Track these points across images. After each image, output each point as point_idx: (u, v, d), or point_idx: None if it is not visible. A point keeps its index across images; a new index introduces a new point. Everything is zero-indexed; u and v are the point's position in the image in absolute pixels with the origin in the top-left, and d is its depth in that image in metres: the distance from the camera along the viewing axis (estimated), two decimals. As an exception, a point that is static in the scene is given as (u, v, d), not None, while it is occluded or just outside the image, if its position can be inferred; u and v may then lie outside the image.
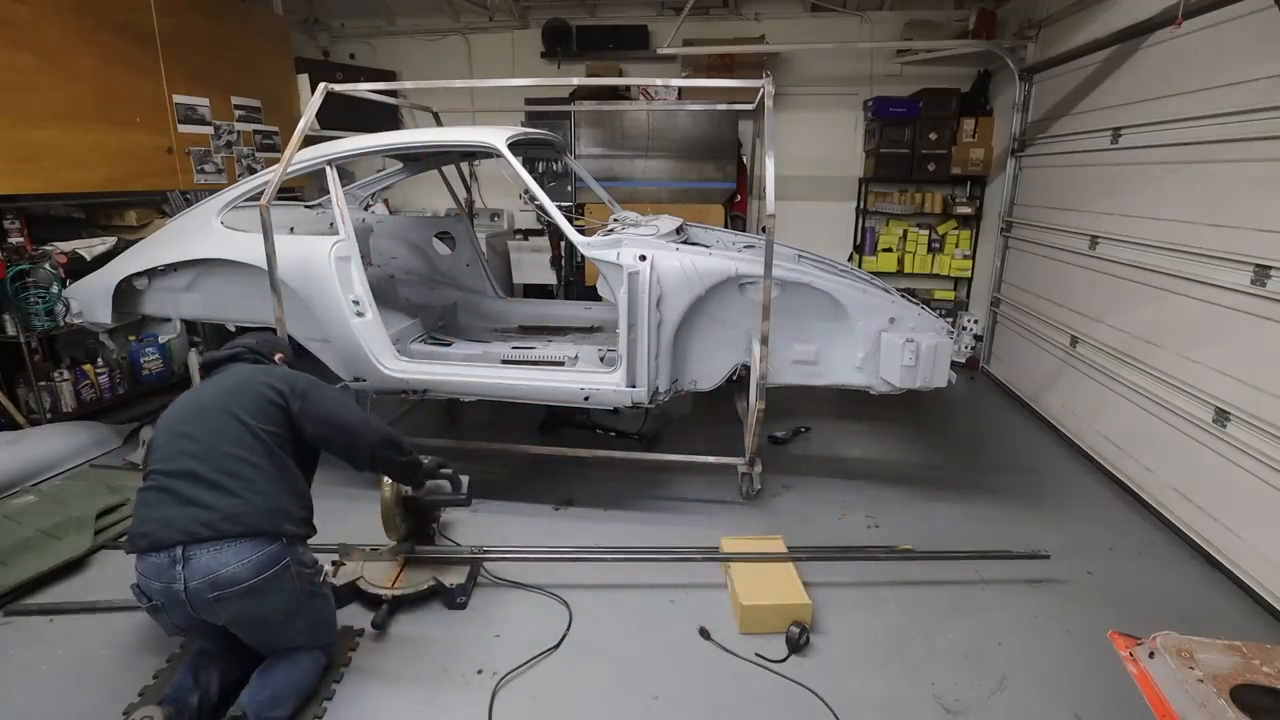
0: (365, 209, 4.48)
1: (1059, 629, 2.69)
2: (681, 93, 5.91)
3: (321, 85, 3.33)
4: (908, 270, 6.19)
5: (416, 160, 4.40)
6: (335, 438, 2.38)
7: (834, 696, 2.33)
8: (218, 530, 2.04)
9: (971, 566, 3.08)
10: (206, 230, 3.59)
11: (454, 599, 2.76)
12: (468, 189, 5.14)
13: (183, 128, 4.83)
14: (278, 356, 2.67)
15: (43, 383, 4.28)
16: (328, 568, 2.67)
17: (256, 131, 5.46)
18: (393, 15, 6.67)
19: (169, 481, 2.11)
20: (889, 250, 6.20)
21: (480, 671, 2.42)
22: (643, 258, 3.16)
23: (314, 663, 2.31)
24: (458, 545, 3.09)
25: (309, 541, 2.31)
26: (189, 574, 2.02)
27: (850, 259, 6.24)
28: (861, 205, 6.27)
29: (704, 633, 2.60)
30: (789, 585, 2.74)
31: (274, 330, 3.36)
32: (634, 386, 3.26)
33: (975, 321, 6.06)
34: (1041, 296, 4.98)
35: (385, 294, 4.07)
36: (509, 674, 2.41)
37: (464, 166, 5.16)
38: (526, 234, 6.34)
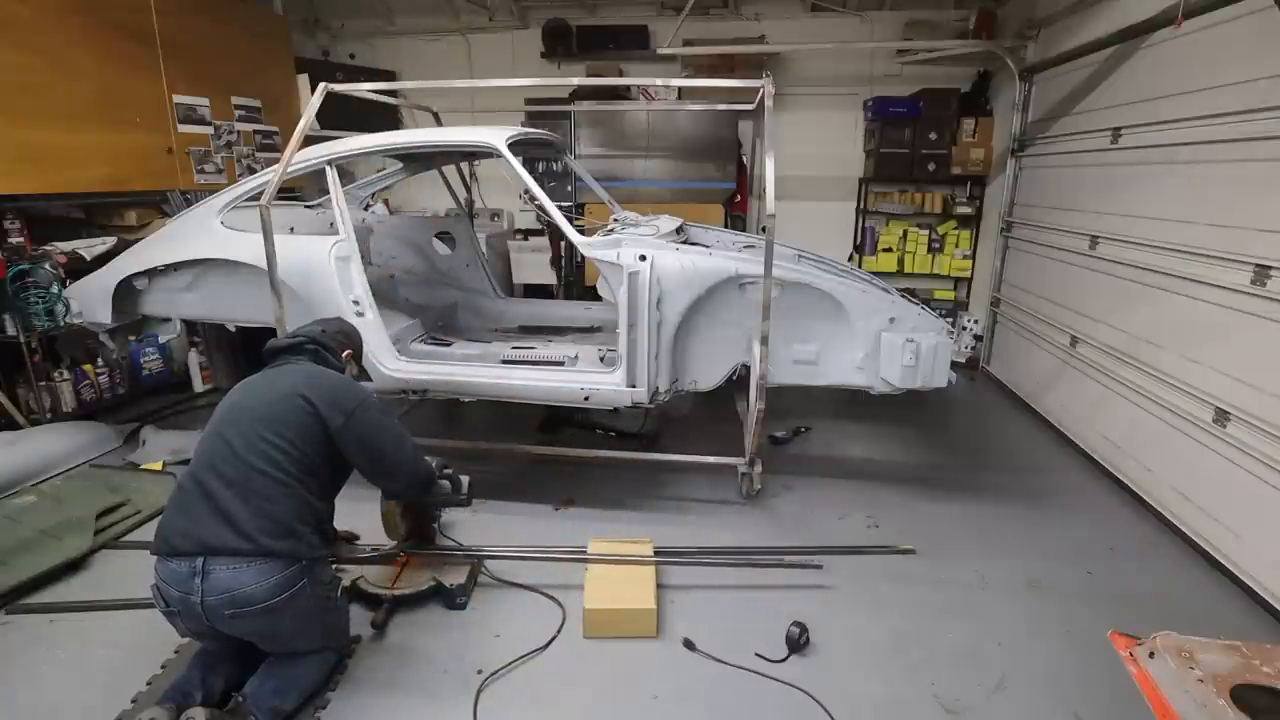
0: (365, 209, 4.48)
1: (1059, 629, 2.70)
2: (681, 93, 5.92)
3: (321, 85, 3.33)
4: (908, 270, 6.19)
5: (416, 160, 4.40)
6: (370, 467, 2.36)
7: (834, 696, 2.33)
8: (234, 549, 2.02)
9: (970, 567, 3.08)
10: (206, 230, 3.59)
11: (454, 599, 2.76)
12: (468, 189, 5.14)
13: (183, 128, 4.83)
14: (346, 354, 2.61)
15: (43, 383, 4.29)
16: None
17: (256, 131, 5.46)
18: (393, 15, 6.67)
19: (200, 483, 2.11)
20: (889, 250, 6.20)
21: (480, 672, 2.42)
22: (643, 258, 3.16)
23: (323, 661, 2.32)
24: (458, 545, 3.10)
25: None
26: (207, 589, 2.00)
27: (850, 259, 6.24)
28: (861, 205, 6.27)
29: (688, 644, 2.57)
30: (641, 590, 2.71)
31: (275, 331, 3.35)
32: (634, 386, 3.26)
33: (975, 321, 6.11)
34: (1041, 296, 4.98)
35: (385, 294, 4.07)
36: (494, 674, 2.41)
37: (464, 166, 5.16)
38: (526, 234, 6.34)
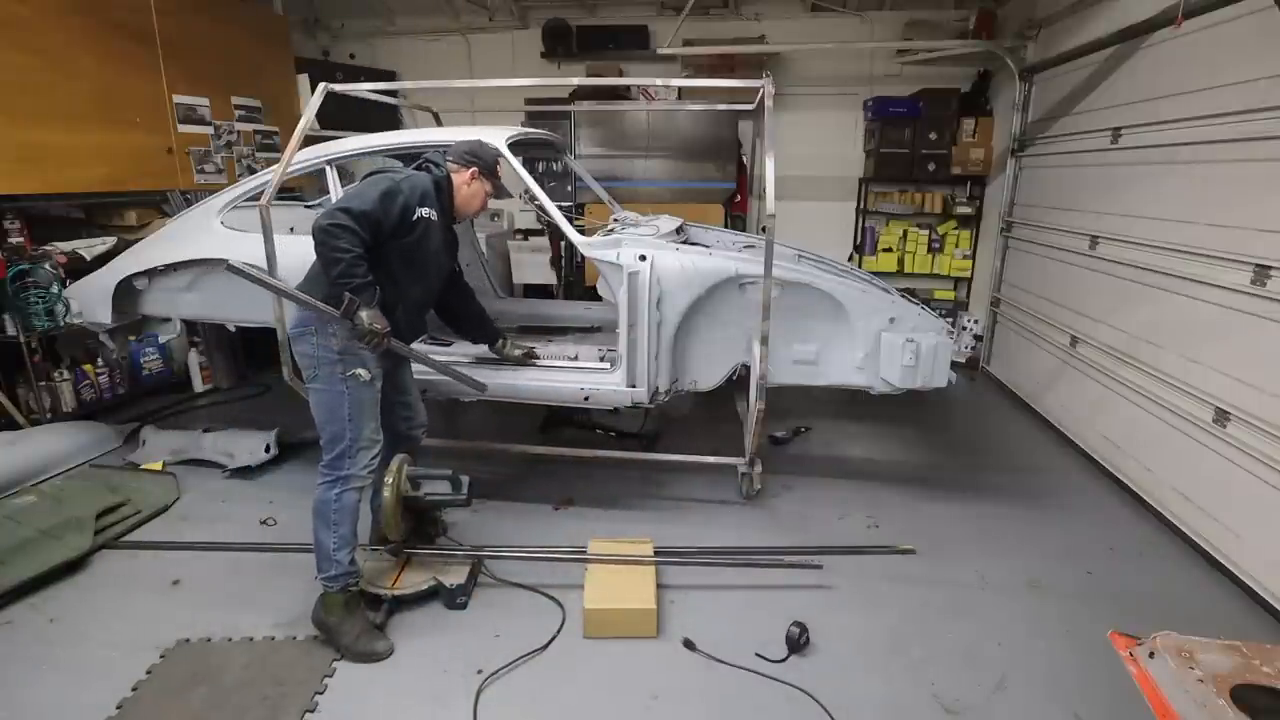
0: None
1: (1059, 629, 2.70)
2: (681, 93, 5.92)
3: (321, 85, 3.32)
4: (908, 270, 6.19)
5: (417, 160, 4.39)
6: None
7: (834, 696, 2.33)
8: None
9: (970, 567, 3.08)
10: (206, 230, 3.59)
11: (454, 599, 2.76)
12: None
13: (183, 128, 4.83)
14: (470, 171, 2.74)
15: (43, 383, 4.29)
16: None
17: (256, 131, 5.46)
18: (393, 15, 6.67)
19: None
20: (889, 250, 6.20)
21: (480, 671, 2.42)
22: (643, 258, 3.16)
23: (318, 504, 2.53)
24: (458, 545, 3.10)
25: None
26: None
27: (850, 259, 6.24)
28: (861, 205, 6.27)
29: (688, 644, 2.58)
30: (641, 590, 2.71)
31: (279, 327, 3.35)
32: (634, 386, 3.26)
33: (975, 321, 6.11)
34: (1041, 296, 4.98)
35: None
36: (494, 674, 2.41)
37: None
38: (526, 234, 6.34)
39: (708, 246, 3.49)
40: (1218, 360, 3.15)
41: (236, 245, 3.49)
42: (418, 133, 3.88)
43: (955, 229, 6.12)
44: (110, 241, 4.47)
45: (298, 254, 3.32)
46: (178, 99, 4.77)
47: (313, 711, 2.26)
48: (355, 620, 2.53)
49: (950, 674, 2.46)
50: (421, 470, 2.80)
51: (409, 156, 4.25)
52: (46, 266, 4.07)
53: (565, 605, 2.75)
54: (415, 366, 3.44)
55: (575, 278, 5.86)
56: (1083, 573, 3.08)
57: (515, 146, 3.44)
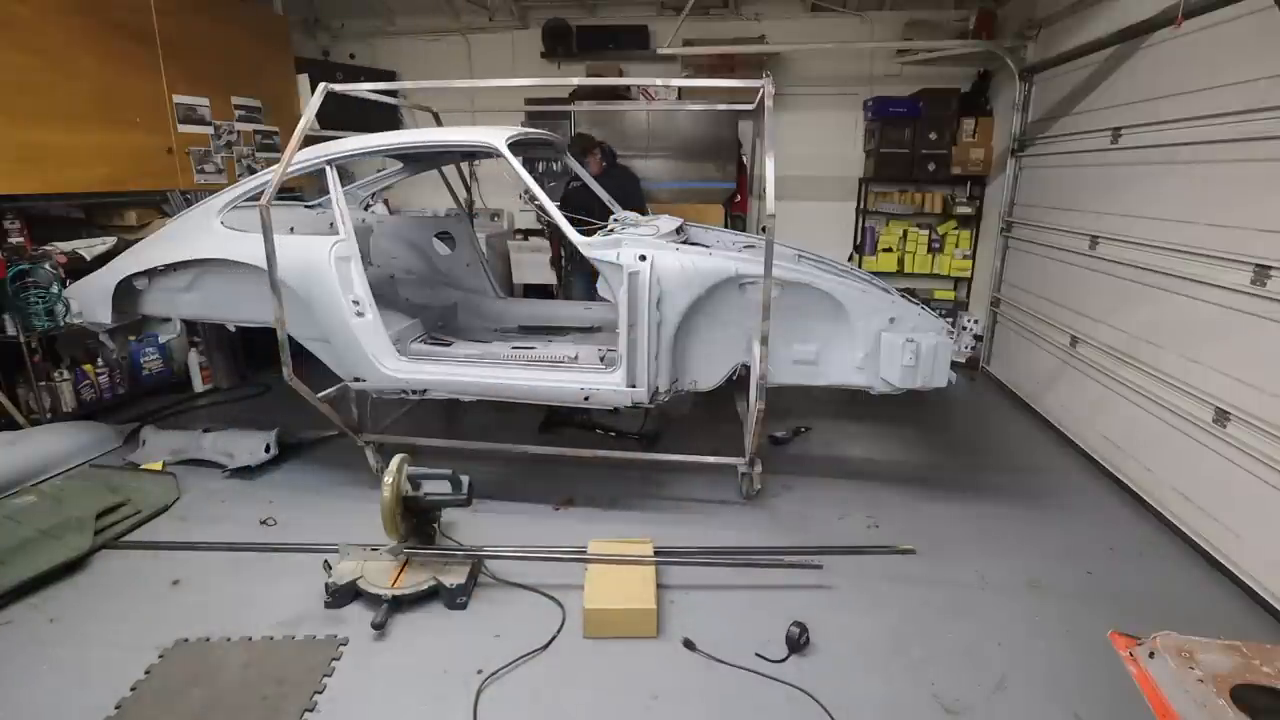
0: (365, 209, 4.48)
1: (1059, 629, 2.69)
2: (681, 93, 5.92)
3: (321, 85, 3.32)
4: (908, 270, 6.20)
5: (416, 160, 4.40)
6: None
7: (834, 696, 2.33)
8: None
9: (970, 567, 3.08)
10: (206, 230, 3.59)
11: (454, 599, 2.76)
12: (468, 189, 5.13)
13: (183, 128, 4.83)
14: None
15: (43, 383, 4.29)
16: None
17: (256, 131, 5.46)
18: (393, 15, 6.68)
19: None
20: (889, 250, 6.20)
21: (480, 672, 2.42)
22: (643, 258, 3.16)
23: None
24: (458, 545, 3.10)
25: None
26: None
27: (850, 259, 6.24)
28: (861, 205, 6.27)
29: (688, 644, 2.57)
30: (641, 590, 2.71)
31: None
32: (634, 386, 3.26)
33: (975, 321, 6.11)
34: (1041, 296, 4.98)
35: (385, 294, 4.07)
36: (494, 674, 2.41)
37: (464, 166, 5.16)
38: (526, 234, 6.35)
39: (708, 246, 3.49)
40: (1218, 360, 3.15)
41: (236, 245, 3.50)
42: (418, 133, 3.87)
43: (955, 229, 6.13)
44: (110, 241, 4.47)
45: (297, 254, 3.35)
46: (178, 99, 4.77)
47: (312, 711, 2.26)
48: None
49: (950, 674, 2.45)
50: (421, 470, 2.80)
51: (407, 156, 4.27)
52: (46, 266, 4.07)
53: (565, 605, 2.75)
54: (433, 365, 3.43)
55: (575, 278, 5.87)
56: (1083, 573, 3.08)
57: (515, 146, 3.44)
